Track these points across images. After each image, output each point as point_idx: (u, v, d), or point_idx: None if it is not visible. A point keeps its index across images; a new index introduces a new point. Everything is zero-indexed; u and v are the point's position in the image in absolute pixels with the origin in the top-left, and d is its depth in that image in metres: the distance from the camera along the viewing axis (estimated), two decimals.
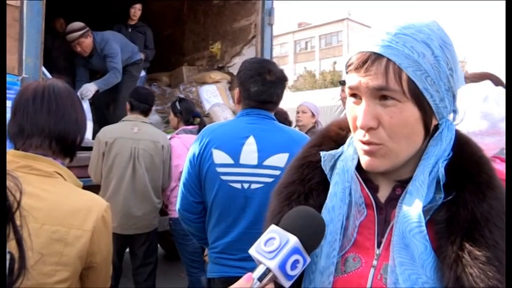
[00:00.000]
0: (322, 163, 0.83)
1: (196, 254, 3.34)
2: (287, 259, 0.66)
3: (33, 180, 1.15)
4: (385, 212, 0.78)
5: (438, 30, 0.73)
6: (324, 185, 0.82)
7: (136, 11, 5.24)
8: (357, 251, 0.78)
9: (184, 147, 3.21)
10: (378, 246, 0.77)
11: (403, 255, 0.71)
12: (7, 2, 2.68)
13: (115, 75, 4.25)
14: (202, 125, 3.37)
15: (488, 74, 1.78)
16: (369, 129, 0.73)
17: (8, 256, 0.65)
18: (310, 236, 0.69)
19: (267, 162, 1.84)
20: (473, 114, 1.43)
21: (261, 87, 1.89)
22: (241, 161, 1.84)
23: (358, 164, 0.80)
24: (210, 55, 5.61)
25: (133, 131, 3.13)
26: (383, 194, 0.80)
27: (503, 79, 1.70)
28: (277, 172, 1.83)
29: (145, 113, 3.28)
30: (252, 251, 0.69)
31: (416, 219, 0.70)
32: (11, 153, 1.21)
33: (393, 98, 0.71)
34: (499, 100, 1.58)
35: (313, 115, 3.95)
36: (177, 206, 2.00)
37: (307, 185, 0.83)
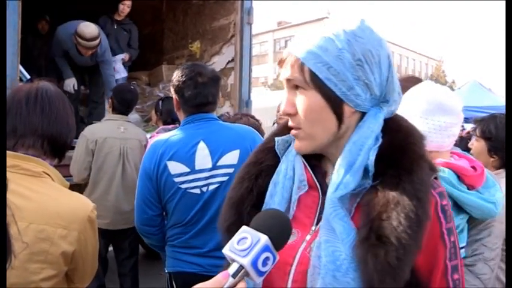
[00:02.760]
0: (276, 147, 0.93)
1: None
2: (259, 256, 0.70)
3: (21, 179, 1.17)
4: None
5: (351, 26, 0.82)
6: (274, 168, 0.92)
7: (125, 8, 5.04)
8: (296, 226, 0.85)
9: None
10: (317, 224, 0.84)
11: (329, 234, 0.79)
12: None
13: (113, 81, 4.55)
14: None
15: (412, 77, 1.92)
16: (290, 116, 0.85)
17: None
18: (279, 235, 0.74)
19: (220, 162, 1.91)
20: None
21: (194, 90, 1.93)
22: (197, 167, 1.90)
23: (309, 154, 0.89)
24: (189, 54, 5.61)
25: (120, 130, 3.20)
26: (329, 177, 0.87)
27: (502, 77, 1.79)
28: (231, 170, 1.90)
29: (126, 113, 3.36)
30: (226, 250, 0.72)
31: (331, 204, 0.79)
32: None
33: (300, 87, 0.83)
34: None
35: None
36: (136, 222, 2.02)
37: (258, 166, 0.93)
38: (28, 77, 3.70)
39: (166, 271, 2.05)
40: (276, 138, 0.93)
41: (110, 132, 3.15)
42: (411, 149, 0.81)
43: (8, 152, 1.22)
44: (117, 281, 3.43)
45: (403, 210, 0.74)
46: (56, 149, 1.30)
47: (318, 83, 0.81)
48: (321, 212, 0.84)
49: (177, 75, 2.00)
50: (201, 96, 1.94)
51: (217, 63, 5.10)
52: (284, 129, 0.94)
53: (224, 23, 5.04)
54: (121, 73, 5.02)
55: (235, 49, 4.71)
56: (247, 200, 0.90)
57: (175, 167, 1.89)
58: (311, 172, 0.88)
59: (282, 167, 0.90)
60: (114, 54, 4.99)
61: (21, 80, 3.31)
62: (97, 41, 4.13)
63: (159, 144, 1.95)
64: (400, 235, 0.73)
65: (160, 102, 3.62)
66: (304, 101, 0.82)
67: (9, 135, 1.24)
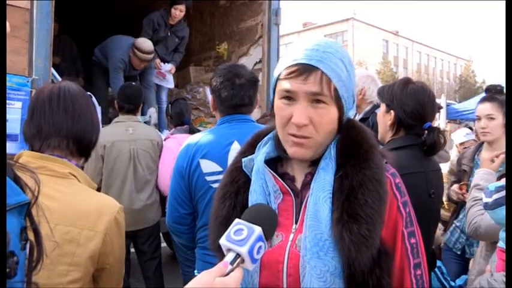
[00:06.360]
0: (243, 167, 1.03)
1: (191, 253, 3.37)
2: (254, 245, 0.78)
3: (47, 181, 1.16)
4: (301, 195, 0.98)
5: (345, 52, 0.97)
6: (249, 183, 1.02)
7: (177, 12, 4.76)
8: (280, 229, 0.96)
9: (180, 146, 3.25)
10: (296, 223, 0.96)
11: (312, 220, 0.91)
12: (17, 4, 2.70)
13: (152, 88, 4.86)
14: (191, 129, 3.45)
15: None
16: (302, 126, 0.92)
17: (28, 244, 0.69)
18: (268, 226, 0.83)
19: None
20: None
21: (231, 91, 1.91)
22: None
23: (275, 164, 1.03)
24: (216, 55, 5.60)
25: (129, 132, 3.17)
26: (299, 182, 1.01)
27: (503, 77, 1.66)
28: None
29: (134, 112, 3.31)
30: (223, 241, 0.79)
31: (328, 187, 0.93)
32: (27, 154, 1.22)
33: (324, 102, 0.92)
34: None
35: None
36: (167, 220, 2.01)
37: (235, 185, 1.03)
38: (60, 80, 3.78)
39: (196, 274, 2.03)
40: (243, 159, 1.04)
41: (118, 135, 3.12)
42: (365, 142, 0.97)
43: (34, 153, 1.23)
44: (143, 281, 3.44)
45: (366, 191, 0.89)
46: (82, 148, 1.29)
47: (338, 99, 0.93)
48: (297, 213, 0.97)
49: (215, 75, 1.99)
50: (237, 97, 1.92)
51: (245, 64, 5.07)
52: (249, 148, 1.07)
53: (251, 24, 5.00)
54: (169, 83, 5.00)
55: (262, 50, 4.67)
56: (232, 216, 0.96)
57: (207, 166, 1.88)
58: (282, 181, 0.99)
59: (255, 186, 0.99)
60: (161, 60, 4.95)
61: (53, 83, 3.38)
62: (153, 55, 4.40)
63: (192, 143, 1.95)
64: (367, 210, 0.88)
65: (169, 105, 3.61)
66: (327, 115, 0.93)
67: (35, 136, 1.24)
